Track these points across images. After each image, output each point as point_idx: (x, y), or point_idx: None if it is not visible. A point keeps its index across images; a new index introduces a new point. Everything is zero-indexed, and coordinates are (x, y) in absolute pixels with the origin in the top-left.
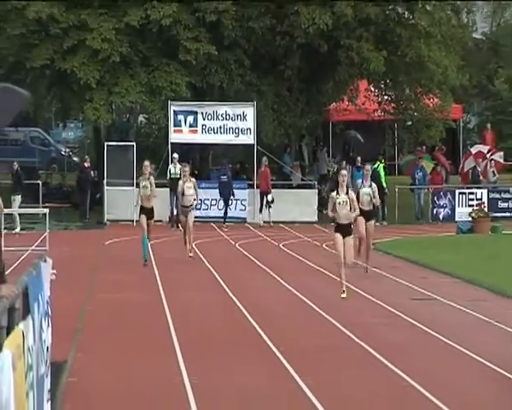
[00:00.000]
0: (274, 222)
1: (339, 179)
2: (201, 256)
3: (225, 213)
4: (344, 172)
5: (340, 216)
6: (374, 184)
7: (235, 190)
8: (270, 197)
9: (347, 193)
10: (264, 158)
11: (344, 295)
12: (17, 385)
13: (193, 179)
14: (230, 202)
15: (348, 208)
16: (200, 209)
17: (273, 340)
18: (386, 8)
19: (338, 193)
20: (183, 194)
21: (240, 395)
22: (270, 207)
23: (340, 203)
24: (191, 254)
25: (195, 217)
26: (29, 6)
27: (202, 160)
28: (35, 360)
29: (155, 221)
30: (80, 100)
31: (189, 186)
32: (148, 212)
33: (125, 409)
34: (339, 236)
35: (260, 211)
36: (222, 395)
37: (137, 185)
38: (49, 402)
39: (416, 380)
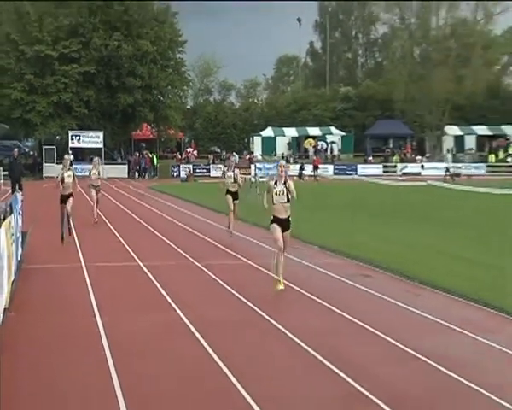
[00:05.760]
0: (110, 178)
1: (277, 169)
2: (90, 201)
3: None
4: (282, 162)
5: (276, 208)
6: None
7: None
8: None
9: (285, 183)
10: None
11: (281, 287)
12: (7, 242)
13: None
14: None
15: (285, 199)
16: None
17: (135, 251)
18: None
19: (276, 183)
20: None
21: (127, 297)
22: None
23: (277, 193)
24: (96, 220)
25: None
26: (12, 93)
27: (82, 154)
28: (15, 231)
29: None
30: (33, 130)
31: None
32: (65, 198)
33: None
34: (277, 226)
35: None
36: (118, 304)
37: (58, 163)
38: (20, 248)
39: (221, 279)
